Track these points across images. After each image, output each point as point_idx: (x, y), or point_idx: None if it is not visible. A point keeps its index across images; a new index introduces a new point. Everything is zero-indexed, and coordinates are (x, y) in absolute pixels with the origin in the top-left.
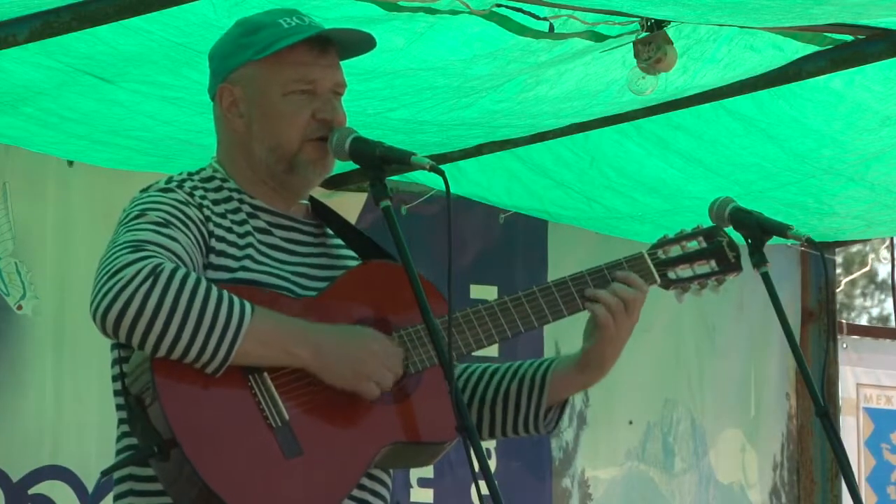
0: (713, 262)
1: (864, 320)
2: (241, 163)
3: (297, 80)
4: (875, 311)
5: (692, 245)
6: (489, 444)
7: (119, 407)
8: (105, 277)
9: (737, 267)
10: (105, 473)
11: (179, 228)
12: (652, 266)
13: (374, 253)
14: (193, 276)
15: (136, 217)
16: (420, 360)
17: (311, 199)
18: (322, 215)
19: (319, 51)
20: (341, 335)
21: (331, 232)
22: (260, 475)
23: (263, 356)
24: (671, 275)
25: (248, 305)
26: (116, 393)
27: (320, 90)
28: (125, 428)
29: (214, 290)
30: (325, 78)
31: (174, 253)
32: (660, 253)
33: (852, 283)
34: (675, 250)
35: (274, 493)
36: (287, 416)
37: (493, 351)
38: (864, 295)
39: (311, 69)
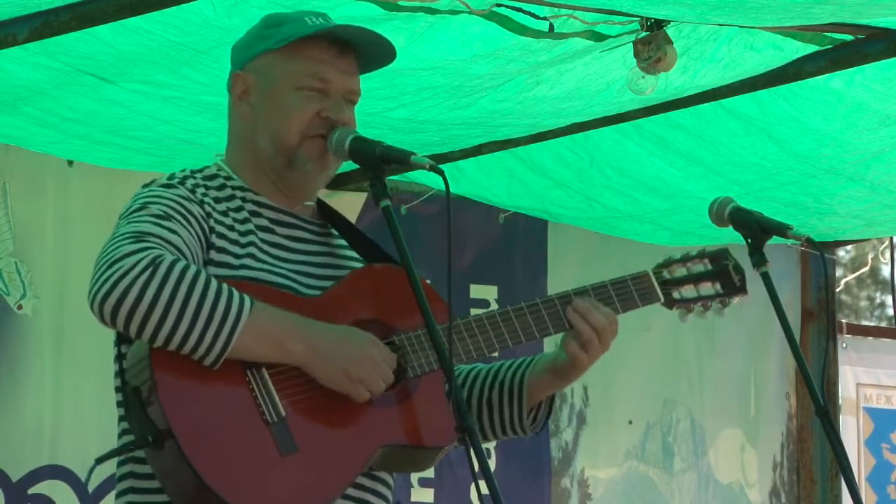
0: (718, 285)
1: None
2: (247, 157)
3: (311, 75)
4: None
5: (697, 267)
6: (488, 444)
7: (119, 404)
8: (105, 266)
9: (741, 290)
10: (99, 460)
11: (180, 223)
12: (657, 284)
13: (377, 257)
14: (193, 267)
15: (138, 209)
16: (420, 365)
17: (318, 199)
18: (327, 216)
19: (338, 52)
20: (338, 336)
21: (335, 232)
22: (254, 470)
23: (260, 351)
24: (675, 294)
25: (247, 299)
26: (117, 390)
27: (332, 91)
28: (125, 425)
29: (214, 282)
30: (339, 80)
31: (175, 246)
32: (665, 273)
33: (859, 283)
34: (680, 271)
35: (267, 489)
36: (283, 413)
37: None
38: (869, 299)
39: (326, 67)
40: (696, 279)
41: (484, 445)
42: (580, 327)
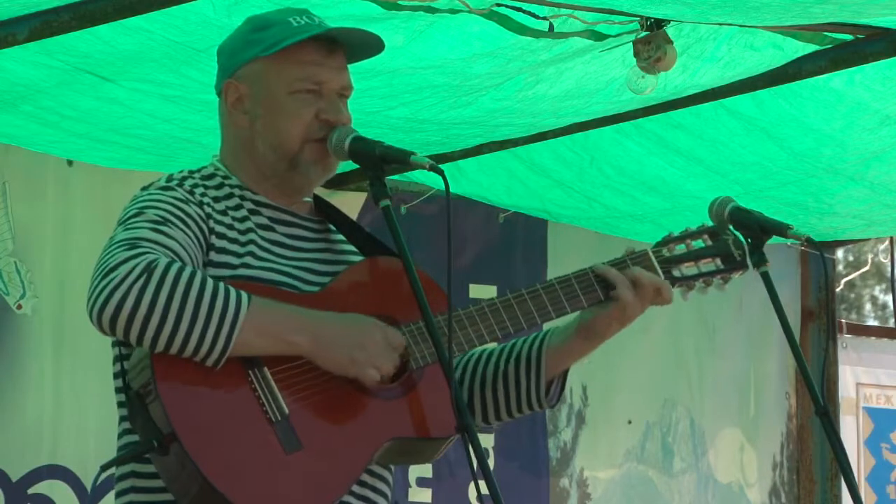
0: (718, 261)
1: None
2: (244, 159)
3: (304, 79)
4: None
5: (697, 243)
6: (487, 444)
7: (120, 405)
8: (100, 276)
9: (743, 265)
10: (104, 467)
11: (177, 226)
12: (656, 264)
13: (377, 250)
14: (189, 269)
15: (134, 215)
16: (422, 356)
17: (315, 195)
18: (325, 212)
19: (327, 51)
20: (341, 322)
21: (333, 228)
22: (259, 470)
23: (262, 346)
24: (676, 272)
25: (244, 296)
26: (118, 390)
27: (326, 91)
28: (126, 426)
29: (210, 282)
30: (332, 79)
31: (171, 250)
32: (664, 251)
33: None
34: (679, 248)
35: (273, 489)
36: (287, 411)
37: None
38: (872, 298)
39: (318, 69)
40: (696, 256)
41: (482, 444)
42: (618, 280)
